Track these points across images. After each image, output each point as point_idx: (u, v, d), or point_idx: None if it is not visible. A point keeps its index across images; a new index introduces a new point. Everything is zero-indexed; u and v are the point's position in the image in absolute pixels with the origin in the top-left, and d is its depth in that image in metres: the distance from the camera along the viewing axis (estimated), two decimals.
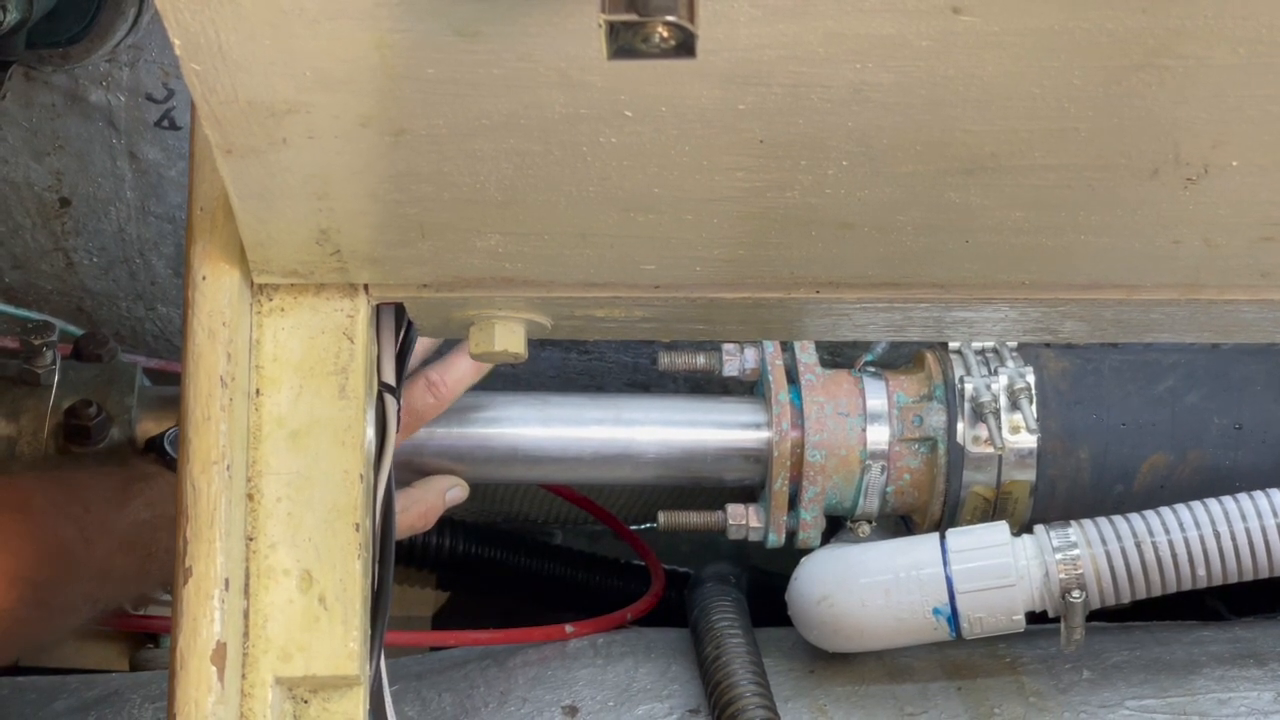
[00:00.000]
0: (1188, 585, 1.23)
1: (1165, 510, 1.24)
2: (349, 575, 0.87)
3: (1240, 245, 0.87)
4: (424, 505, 1.34)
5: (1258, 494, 1.24)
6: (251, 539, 0.87)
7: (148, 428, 1.38)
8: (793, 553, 1.35)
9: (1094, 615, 1.24)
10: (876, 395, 1.35)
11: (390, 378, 0.97)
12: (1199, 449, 1.34)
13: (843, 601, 1.27)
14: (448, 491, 1.35)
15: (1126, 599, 1.24)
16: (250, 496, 0.88)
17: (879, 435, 1.34)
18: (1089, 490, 1.34)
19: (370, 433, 0.92)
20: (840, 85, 0.75)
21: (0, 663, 1.13)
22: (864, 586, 1.27)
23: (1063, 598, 1.23)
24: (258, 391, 0.89)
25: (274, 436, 0.89)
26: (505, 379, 1.36)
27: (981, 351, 1.36)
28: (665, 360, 1.41)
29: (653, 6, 0.62)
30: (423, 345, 1.29)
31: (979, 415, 1.32)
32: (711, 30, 0.71)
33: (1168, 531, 1.23)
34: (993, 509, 1.34)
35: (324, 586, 0.87)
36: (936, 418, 1.34)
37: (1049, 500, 1.34)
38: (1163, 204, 0.83)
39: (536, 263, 0.88)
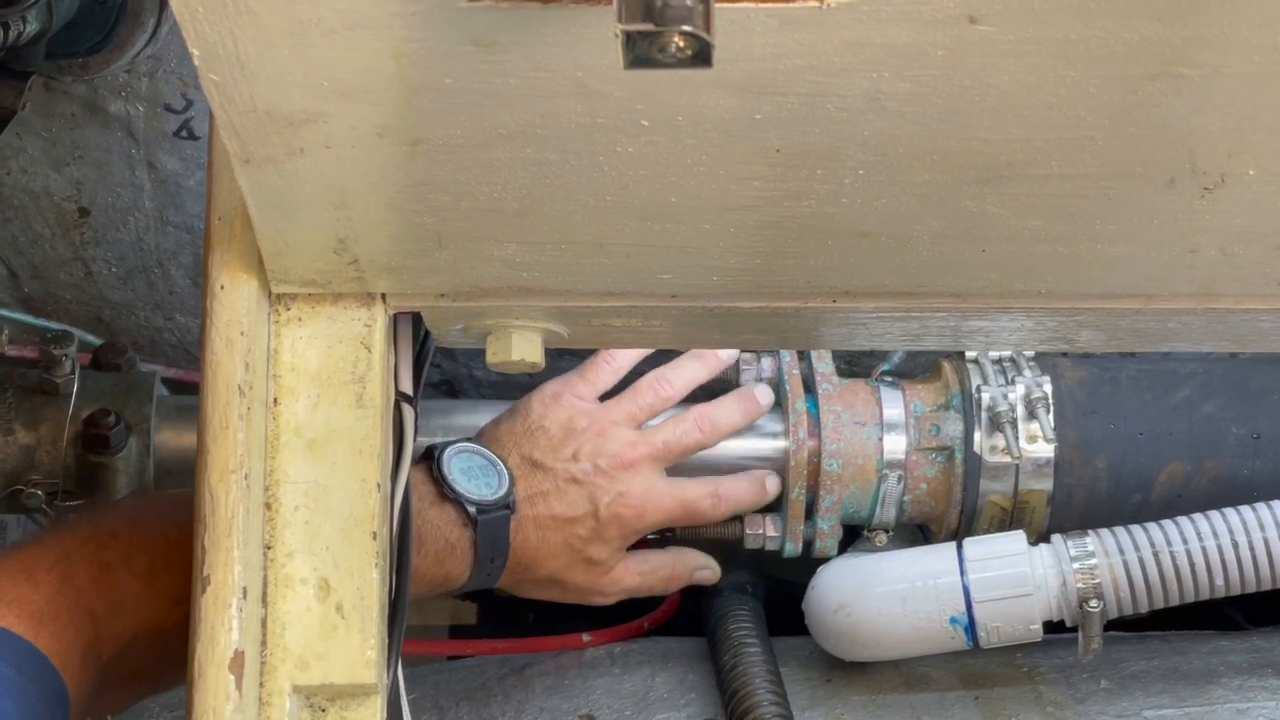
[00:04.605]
0: (1205, 595, 1.23)
1: (1183, 520, 1.24)
2: (366, 584, 0.87)
3: (1257, 254, 0.87)
4: (668, 572, 1.37)
5: (1275, 504, 1.24)
6: (269, 548, 0.87)
7: (166, 437, 1.38)
8: (810, 562, 1.35)
9: (1111, 625, 1.24)
10: (893, 404, 1.35)
11: (407, 387, 0.97)
12: (1216, 458, 1.34)
13: (860, 611, 1.27)
14: (697, 570, 1.38)
15: (1144, 608, 1.24)
16: (268, 505, 0.88)
17: (896, 444, 1.34)
18: (1106, 500, 1.34)
19: (388, 442, 0.92)
20: (856, 94, 0.75)
21: (160, 689, 1.11)
22: (881, 596, 1.27)
23: (1080, 607, 1.23)
24: (275, 400, 0.89)
25: (292, 445, 0.89)
26: (523, 388, 1.36)
27: (998, 361, 1.35)
28: None
29: (669, 16, 0.62)
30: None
31: (996, 424, 1.32)
32: (728, 40, 0.71)
33: (1185, 541, 1.23)
34: (1010, 518, 1.34)
35: (341, 595, 0.87)
36: (953, 427, 1.33)
37: (1066, 510, 1.34)
38: (1179, 213, 0.83)
39: (553, 272, 0.89)
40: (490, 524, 1.23)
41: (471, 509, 1.22)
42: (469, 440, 1.27)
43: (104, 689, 1.00)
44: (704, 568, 1.38)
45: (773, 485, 1.35)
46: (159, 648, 1.01)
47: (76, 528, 1.03)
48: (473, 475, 1.24)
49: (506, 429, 1.30)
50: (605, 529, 1.29)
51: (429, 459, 1.23)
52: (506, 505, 1.24)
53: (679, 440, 1.32)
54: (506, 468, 1.26)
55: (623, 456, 1.30)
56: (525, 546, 1.26)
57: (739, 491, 1.34)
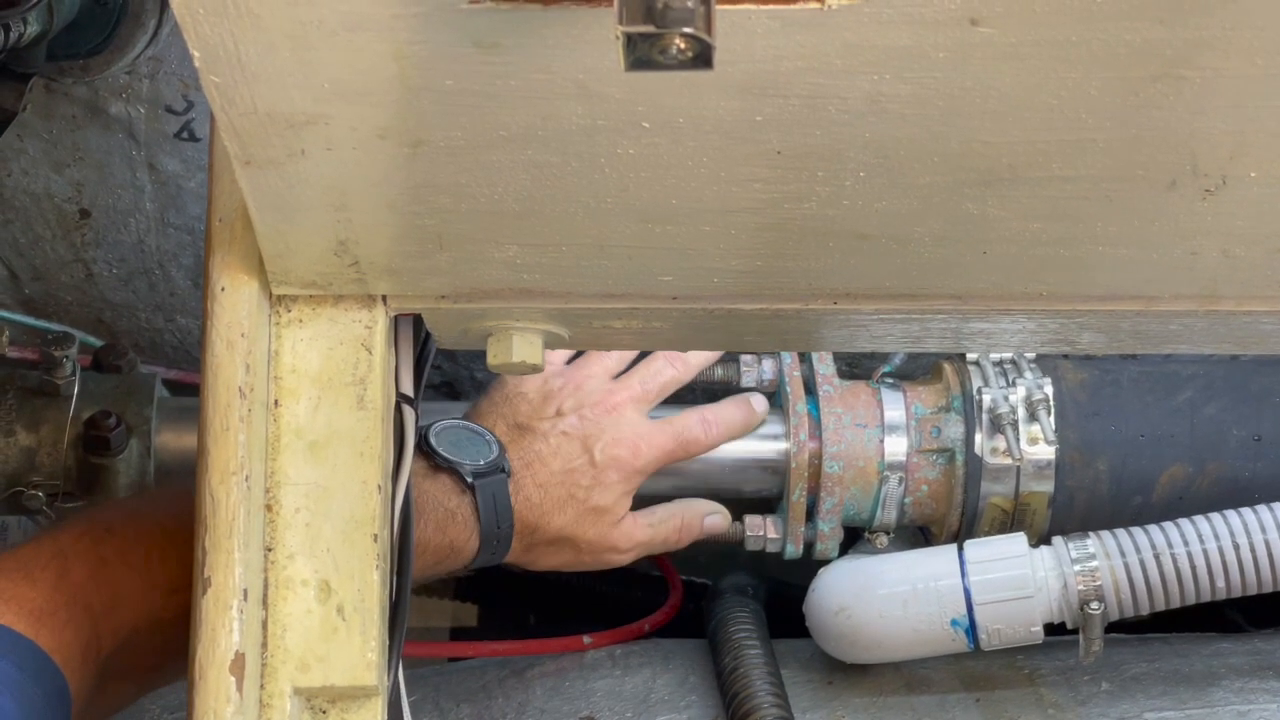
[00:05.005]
0: (1207, 597, 1.23)
1: (1184, 522, 1.24)
2: (367, 586, 0.87)
3: (1259, 256, 0.87)
4: (678, 522, 1.36)
5: (1277, 505, 1.24)
6: (270, 549, 0.87)
7: (167, 439, 1.38)
8: (811, 564, 1.35)
9: (1112, 627, 1.24)
10: (894, 406, 1.35)
11: (408, 388, 0.97)
12: (1218, 460, 1.34)
13: (860, 613, 1.27)
14: (707, 517, 1.37)
15: (1145, 611, 1.24)
16: (269, 507, 0.88)
17: (897, 446, 1.34)
18: (1107, 502, 1.34)
19: (388, 444, 0.92)
20: (857, 96, 0.75)
21: (162, 682, 1.11)
22: (882, 598, 1.27)
23: (1081, 609, 1.23)
24: (276, 402, 0.89)
25: (292, 447, 0.89)
26: None
27: (999, 363, 1.35)
28: None
29: (670, 18, 0.62)
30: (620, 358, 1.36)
31: (997, 426, 1.32)
32: (729, 42, 0.71)
33: (1186, 543, 1.23)
34: (1011, 520, 1.34)
35: (342, 597, 0.87)
36: (954, 429, 1.33)
37: (1067, 512, 1.34)
38: (1180, 215, 0.83)
39: (554, 274, 0.89)
40: (488, 487, 1.24)
41: (467, 475, 1.24)
42: (454, 419, 1.28)
43: (105, 684, 1.00)
44: (714, 513, 1.37)
45: (759, 405, 1.35)
46: (158, 640, 1.01)
47: (72, 525, 1.03)
48: (461, 445, 1.26)
49: (486, 404, 1.32)
50: (604, 474, 1.30)
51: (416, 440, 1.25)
52: (501, 468, 1.26)
53: (654, 377, 1.34)
54: (494, 436, 1.28)
55: (605, 403, 1.31)
56: (529, 506, 1.27)
57: (728, 414, 1.35)
